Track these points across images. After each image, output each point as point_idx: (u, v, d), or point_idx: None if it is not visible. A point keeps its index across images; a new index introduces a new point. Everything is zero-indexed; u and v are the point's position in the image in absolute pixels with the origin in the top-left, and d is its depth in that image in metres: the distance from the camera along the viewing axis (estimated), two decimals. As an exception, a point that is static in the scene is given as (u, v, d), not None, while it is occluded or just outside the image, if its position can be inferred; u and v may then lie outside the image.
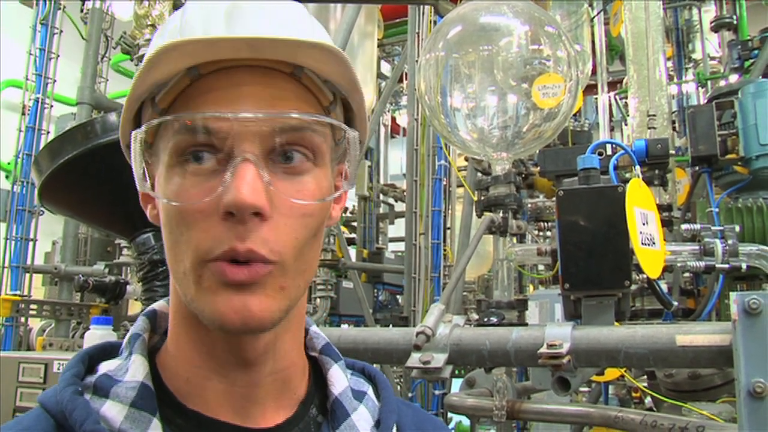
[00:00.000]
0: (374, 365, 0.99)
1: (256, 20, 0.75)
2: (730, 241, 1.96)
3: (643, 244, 1.67)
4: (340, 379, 0.87)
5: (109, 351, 0.84)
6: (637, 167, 1.97)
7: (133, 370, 0.76)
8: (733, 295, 1.37)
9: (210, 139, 0.71)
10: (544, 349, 1.54)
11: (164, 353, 0.82)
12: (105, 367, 0.79)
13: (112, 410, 0.73)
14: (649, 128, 2.76)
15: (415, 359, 1.66)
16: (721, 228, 2.03)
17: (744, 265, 1.96)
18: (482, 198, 2.32)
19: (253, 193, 0.68)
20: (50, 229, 6.83)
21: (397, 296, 7.92)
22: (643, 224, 1.69)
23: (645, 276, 1.81)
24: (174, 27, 0.77)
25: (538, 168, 2.66)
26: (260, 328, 0.72)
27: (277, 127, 0.72)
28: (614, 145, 2.21)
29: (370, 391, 0.90)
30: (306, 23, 0.79)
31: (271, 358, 0.79)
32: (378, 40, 6.63)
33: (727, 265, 1.93)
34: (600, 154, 2.07)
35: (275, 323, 0.73)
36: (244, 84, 0.73)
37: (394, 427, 0.86)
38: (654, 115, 2.77)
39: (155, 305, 0.88)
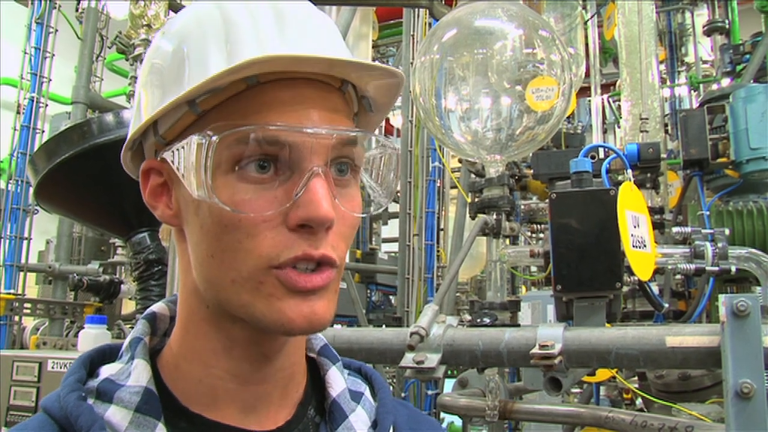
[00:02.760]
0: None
1: (305, 32, 0.78)
2: (719, 244, 1.98)
3: (634, 246, 1.69)
4: (338, 380, 0.88)
5: (108, 354, 0.85)
6: (629, 171, 1.99)
7: (136, 374, 0.77)
8: (721, 297, 1.40)
9: (278, 149, 0.73)
10: (536, 350, 1.56)
11: (168, 355, 0.83)
12: (106, 371, 0.80)
13: (117, 415, 0.74)
14: (641, 131, 2.78)
15: (408, 359, 1.68)
16: (711, 231, 2.05)
17: (733, 268, 1.98)
18: (475, 200, 2.33)
19: (330, 208, 0.72)
20: (44, 228, 6.81)
21: (390, 297, 7.93)
22: (635, 227, 1.71)
23: (636, 278, 1.83)
24: (217, 31, 0.76)
25: (532, 170, 2.67)
26: (322, 329, 0.76)
27: (339, 143, 0.75)
28: (606, 149, 2.23)
29: (367, 392, 0.91)
30: (339, 36, 0.83)
31: (282, 353, 0.81)
32: (373, 41, 6.65)
33: (716, 268, 1.95)
34: (592, 157, 2.09)
35: (330, 324, 0.77)
36: (309, 98, 0.75)
37: (391, 428, 0.88)
38: (646, 119, 2.79)
39: (154, 307, 0.89)
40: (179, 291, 0.84)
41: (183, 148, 0.74)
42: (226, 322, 0.78)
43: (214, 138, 0.71)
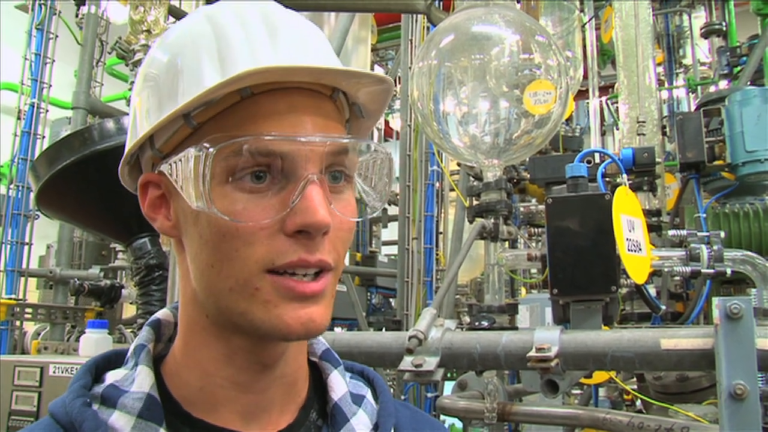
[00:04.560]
0: (367, 368, 1.02)
1: (296, 43, 0.79)
2: (715, 247, 2.00)
3: (629, 250, 1.71)
4: (339, 384, 0.89)
5: (114, 360, 0.87)
6: (624, 175, 2.00)
7: (139, 380, 0.78)
8: (715, 300, 1.41)
9: (273, 159, 0.74)
10: (532, 353, 1.58)
11: (171, 362, 0.84)
12: (112, 376, 0.82)
13: (120, 421, 0.75)
14: (638, 134, 2.80)
15: (407, 362, 1.69)
16: (707, 234, 2.07)
17: (729, 270, 2.00)
18: (474, 204, 2.35)
19: (326, 214, 0.73)
20: (45, 233, 6.83)
21: (390, 299, 7.94)
22: (630, 231, 1.73)
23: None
24: (210, 45, 0.77)
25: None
26: (318, 335, 0.78)
27: (333, 150, 0.76)
28: (602, 154, 2.25)
29: (369, 395, 0.92)
30: (329, 45, 0.85)
31: (283, 361, 0.82)
32: (372, 45, 6.67)
33: (712, 270, 1.97)
34: (588, 162, 2.11)
35: (326, 328, 0.78)
36: (302, 107, 0.76)
37: (392, 431, 0.89)
38: (643, 122, 2.80)
39: (158, 314, 0.90)
40: (179, 300, 0.85)
41: (180, 161, 0.75)
42: (225, 331, 0.79)
43: (211, 150, 0.72)
